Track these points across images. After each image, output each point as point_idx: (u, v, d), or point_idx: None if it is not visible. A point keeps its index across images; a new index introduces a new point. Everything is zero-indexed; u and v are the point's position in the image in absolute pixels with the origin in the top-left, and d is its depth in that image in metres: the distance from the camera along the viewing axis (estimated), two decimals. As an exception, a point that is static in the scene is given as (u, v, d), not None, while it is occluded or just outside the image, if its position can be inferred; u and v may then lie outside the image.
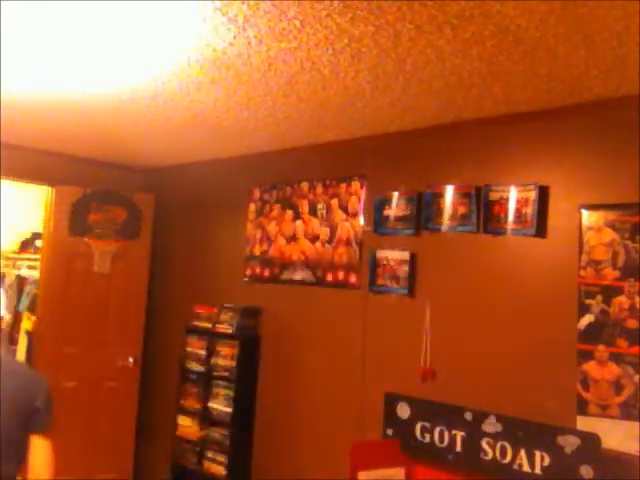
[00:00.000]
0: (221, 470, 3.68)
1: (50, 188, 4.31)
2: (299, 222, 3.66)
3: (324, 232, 3.51)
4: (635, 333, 2.35)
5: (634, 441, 2.31)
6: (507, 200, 2.74)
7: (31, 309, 4.93)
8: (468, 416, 2.72)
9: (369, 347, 3.23)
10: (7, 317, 5.20)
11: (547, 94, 2.49)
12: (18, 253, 5.59)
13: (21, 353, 5.04)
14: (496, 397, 2.69)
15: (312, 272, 3.54)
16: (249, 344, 3.75)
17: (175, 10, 1.92)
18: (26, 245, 5.60)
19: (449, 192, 2.94)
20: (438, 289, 2.97)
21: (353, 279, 3.33)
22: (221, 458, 3.69)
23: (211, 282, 4.18)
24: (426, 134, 3.09)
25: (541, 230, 2.64)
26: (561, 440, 2.45)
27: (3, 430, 1.92)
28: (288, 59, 2.27)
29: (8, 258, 5.52)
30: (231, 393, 3.70)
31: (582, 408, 2.45)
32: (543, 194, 2.64)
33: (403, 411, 2.93)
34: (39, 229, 4.85)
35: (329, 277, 3.45)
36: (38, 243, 5.03)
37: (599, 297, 2.45)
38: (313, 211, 3.59)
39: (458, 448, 2.73)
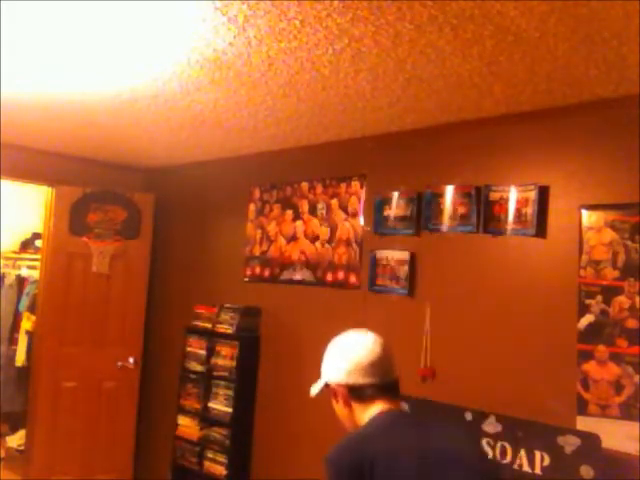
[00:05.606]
0: (221, 470, 3.68)
1: (50, 188, 4.31)
2: (299, 222, 3.66)
3: (324, 232, 3.51)
4: (635, 333, 2.35)
5: (634, 441, 2.30)
6: (507, 200, 2.74)
7: (31, 309, 4.93)
8: (468, 416, 2.72)
9: (369, 347, 3.22)
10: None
11: (547, 94, 2.49)
12: (18, 253, 5.60)
13: (21, 353, 5.05)
14: (496, 397, 2.69)
15: (312, 272, 3.54)
16: (249, 344, 3.75)
17: (175, 10, 1.92)
18: (26, 245, 5.62)
19: (449, 192, 2.94)
20: (438, 289, 2.97)
21: (353, 279, 3.33)
22: (221, 458, 3.69)
23: (211, 282, 4.18)
24: (426, 134, 3.09)
25: (541, 230, 2.64)
26: (561, 440, 2.45)
27: None
28: (288, 59, 2.27)
29: (8, 258, 5.53)
30: (231, 393, 3.69)
31: (582, 408, 2.45)
32: (543, 194, 2.64)
33: (403, 411, 2.93)
34: (39, 229, 4.85)
35: (329, 277, 3.45)
36: (38, 243, 5.03)
37: (599, 297, 2.44)
38: (313, 211, 3.59)
39: (458, 448, 2.73)
